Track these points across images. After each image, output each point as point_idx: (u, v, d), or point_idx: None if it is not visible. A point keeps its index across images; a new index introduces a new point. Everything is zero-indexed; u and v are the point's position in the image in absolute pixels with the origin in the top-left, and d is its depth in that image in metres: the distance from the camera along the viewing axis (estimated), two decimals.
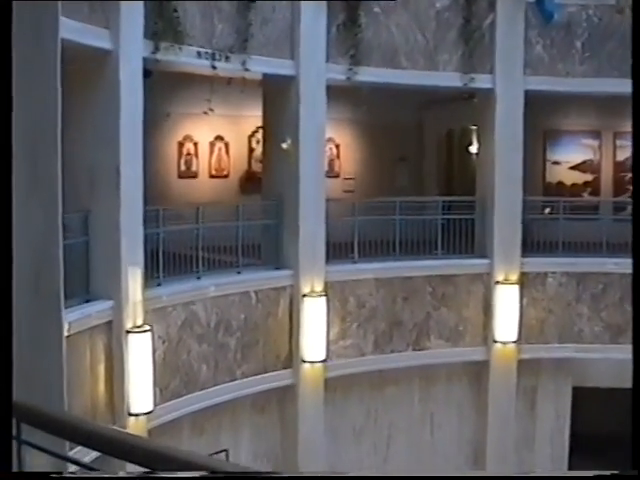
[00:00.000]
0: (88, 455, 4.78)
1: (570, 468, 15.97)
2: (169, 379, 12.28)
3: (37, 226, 4.21)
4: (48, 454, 3.00)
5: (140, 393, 11.42)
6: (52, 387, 4.29)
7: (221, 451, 13.56)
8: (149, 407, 11.56)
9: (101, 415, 11.14)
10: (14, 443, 2.94)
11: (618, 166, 18.15)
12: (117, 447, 2.58)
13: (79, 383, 10.60)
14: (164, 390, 12.13)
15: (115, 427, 11.30)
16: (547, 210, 16.20)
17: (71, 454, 4.63)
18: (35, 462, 3.39)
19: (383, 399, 15.07)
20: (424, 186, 19.71)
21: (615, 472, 1.76)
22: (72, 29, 9.26)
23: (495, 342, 15.05)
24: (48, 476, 2.55)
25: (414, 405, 15.28)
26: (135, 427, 11.46)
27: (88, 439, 2.68)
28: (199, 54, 12.42)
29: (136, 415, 11.46)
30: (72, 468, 5.18)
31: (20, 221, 3.98)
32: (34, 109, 4.09)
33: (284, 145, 13.88)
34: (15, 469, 3.05)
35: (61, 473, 2.77)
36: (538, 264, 15.25)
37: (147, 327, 11.46)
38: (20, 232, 4.00)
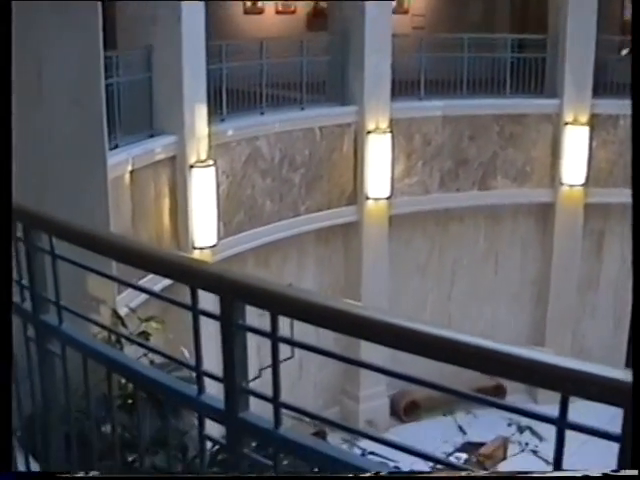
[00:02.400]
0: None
1: (635, 311, 15.91)
2: (233, 214, 12.48)
3: (77, 56, 4.24)
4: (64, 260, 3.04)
5: (204, 227, 11.65)
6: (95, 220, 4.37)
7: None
8: (213, 241, 11.80)
9: (166, 248, 11.41)
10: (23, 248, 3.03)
11: None
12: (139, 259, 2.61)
13: (144, 217, 10.83)
14: (228, 224, 12.34)
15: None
16: (624, 51, 15.65)
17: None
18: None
19: (448, 236, 15.13)
20: (496, 23, 19.20)
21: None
22: None
23: (562, 184, 14.90)
24: (54, 476, 2.59)
25: (479, 243, 15.32)
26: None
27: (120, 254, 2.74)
28: None
29: (200, 249, 11.71)
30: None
31: (56, 50, 4.02)
32: None
33: None
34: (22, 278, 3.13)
35: (68, 472, 2.84)
36: (610, 106, 14.85)
37: (211, 162, 11.58)
38: (59, 59, 4.05)
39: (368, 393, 14.58)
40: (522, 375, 1.82)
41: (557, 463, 1.81)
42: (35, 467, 3.53)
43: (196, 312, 2.43)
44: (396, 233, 14.43)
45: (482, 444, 12.38)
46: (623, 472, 1.70)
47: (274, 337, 2.22)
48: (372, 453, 3.81)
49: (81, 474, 2.75)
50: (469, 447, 10.90)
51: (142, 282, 6.58)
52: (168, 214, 11.47)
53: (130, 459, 3.07)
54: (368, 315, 2.01)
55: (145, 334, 4.43)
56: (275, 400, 2.28)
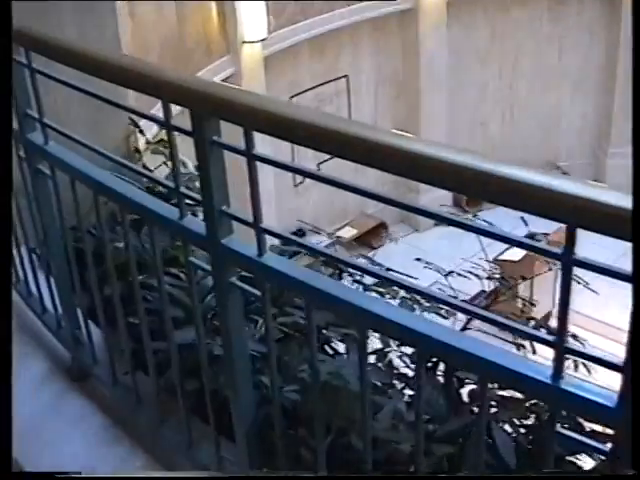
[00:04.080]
0: None
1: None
2: (284, 5, 11.99)
3: None
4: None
5: (253, 20, 11.22)
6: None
7: (341, 77, 13.52)
8: (263, 34, 11.39)
9: (215, 45, 11.04)
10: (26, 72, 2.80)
11: None
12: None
13: (189, 16, 10.41)
14: (279, 17, 11.90)
15: (229, 57, 11.27)
16: None
17: None
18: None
19: (509, 20, 14.33)
20: None
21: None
22: None
23: None
24: (52, 476, 2.44)
25: (542, 27, 14.53)
26: (250, 55, 11.39)
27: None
28: None
29: (250, 42, 11.33)
30: None
31: None
32: None
33: None
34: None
35: (67, 473, 2.66)
36: None
37: None
38: None
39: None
40: (522, 202, 1.55)
41: (564, 303, 1.57)
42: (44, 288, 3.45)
43: (169, 127, 2.20)
44: (455, 19, 13.78)
45: (546, 234, 12.16)
46: (623, 472, 1.50)
47: (249, 155, 1.98)
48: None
49: (81, 474, 2.64)
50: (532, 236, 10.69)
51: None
52: (215, 9, 11.04)
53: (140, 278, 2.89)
54: (342, 130, 1.74)
55: (163, 142, 4.24)
56: (256, 225, 2.06)
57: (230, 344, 2.33)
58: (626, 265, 1.49)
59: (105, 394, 3.23)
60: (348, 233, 13.22)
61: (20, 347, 3.58)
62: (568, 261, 1.51)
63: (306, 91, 12.99)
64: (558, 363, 1.61)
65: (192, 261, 2.35)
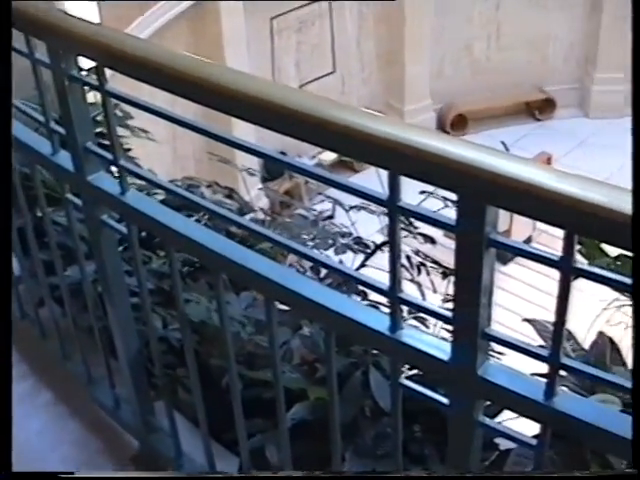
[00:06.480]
0: None
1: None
2: None
3: None
4: None
5: None
6: None
7: None
8: None
9: None
10: None
11: None
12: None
13: None
14: None
15: None
16: None
17: None
18: None
19: None
20: None
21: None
22: None
23: None
24: (56, 476, 2.38)
25: None
26: None
27: None
28: None
29: None
30: None
31: None
32: None
33: None
34: None
35: (73, 473, 2.58)
36: None
37: None
38: None
39: (413, 107, 14.19)
40: (343, 146, 1.47)
41: (393, 251, 1.49)
42: None
43: (34, 61, 2.11)
44: None
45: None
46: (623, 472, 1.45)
47: (102, 90, 1.90)
48: None
49: (82, 474, 2.59)
50: None
51: None
52: None
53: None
54: (194, 73, 1.64)
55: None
56: (116, 163, 1.98)
57: (106, 282, 2.28)
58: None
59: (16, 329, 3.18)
60: (330, 156, 13.02)
61: None
62: (393, 208, 1.43)
63: (286, 13, 12.74)
64: (394, 313, 1.55)
65: (67, 198, 2.28)
